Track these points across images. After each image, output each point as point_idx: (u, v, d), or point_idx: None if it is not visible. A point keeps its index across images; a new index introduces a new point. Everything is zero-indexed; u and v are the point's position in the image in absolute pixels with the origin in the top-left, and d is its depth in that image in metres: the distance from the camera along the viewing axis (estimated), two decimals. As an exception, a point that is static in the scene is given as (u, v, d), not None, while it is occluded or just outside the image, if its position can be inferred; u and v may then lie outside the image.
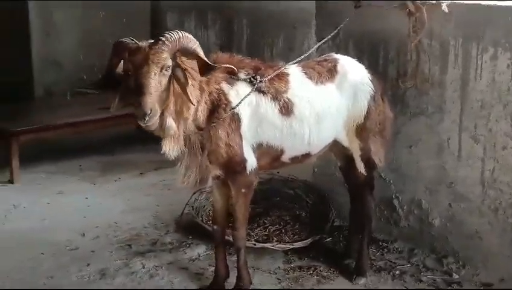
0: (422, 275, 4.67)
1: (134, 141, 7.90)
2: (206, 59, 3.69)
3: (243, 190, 4.10)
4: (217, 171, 4.01)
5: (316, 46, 4.65)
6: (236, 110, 3.95)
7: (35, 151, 7.03)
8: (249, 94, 3.98)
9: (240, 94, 3.96)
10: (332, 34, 4.83)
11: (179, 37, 3.57)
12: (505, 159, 4.37)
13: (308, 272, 4.74)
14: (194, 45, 3.65)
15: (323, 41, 4.81)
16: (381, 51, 5.00)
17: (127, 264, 4.82)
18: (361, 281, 4.59)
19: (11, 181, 6.49)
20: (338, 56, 4.49)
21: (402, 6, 4.62)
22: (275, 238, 5.08)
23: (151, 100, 3.48)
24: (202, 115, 3.85)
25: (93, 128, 7.28)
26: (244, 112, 4.00)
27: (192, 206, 5.47)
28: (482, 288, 4.47)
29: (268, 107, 4.06)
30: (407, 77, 4.71)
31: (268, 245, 4.90)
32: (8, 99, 7.47)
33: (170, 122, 3.69)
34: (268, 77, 4.07)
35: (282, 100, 4.10)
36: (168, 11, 9.86)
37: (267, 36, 8.22)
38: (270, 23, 8.10)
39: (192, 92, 3.72)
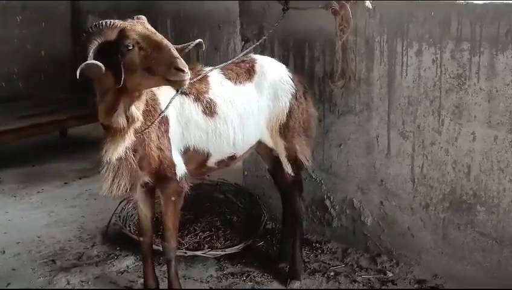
0: (356, 275, 4.61)
1: (56, 150, 7.63)
2: None
3: (173, 198, 3.94)
4: (146, 178, 3.82)
5: (245, 52, 4.50)
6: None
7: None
8: (175, 96, 3.83)
9: (165, 96, 3.80)
10: (260, 41, 4.71)
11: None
12: (434, 154, 4.35)
13: (242, 279, 4.61)
14: None
15: (252, 47, 4.68)
16: (307, 50, 4.92)
17: (51, 281, 4.57)
18: (296, 285, 4.49)
19: None
20: (256, 56, 4.41)
21: (327, 6, 4.54)
22: (206, 245, 4.94)
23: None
24: (140, 116, 3.62)
25: (13, 138, 6.92)
26: (171, 114, 3.85)
27: (119, 216, 5.26)
28: (416, 285, 4.44)
29: (192, 108, 3.93)
30: (336, 77, 4.62)
31: (199, 253, 4.74)
32: None
33: (137, 113, 3.51)
34: (194, 80, 3.92)
35: (204, 101, 3.98)
36: (89, 14, 9.60)
37: (192, 37, 8.05)
38: (194, 24, 7.96)
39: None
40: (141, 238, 4.18)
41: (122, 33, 3.31)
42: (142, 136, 3.69)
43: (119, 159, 3.64)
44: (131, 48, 3.30)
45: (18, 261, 4.88)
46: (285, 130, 4.26)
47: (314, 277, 4.62)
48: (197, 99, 3.94)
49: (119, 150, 3.55)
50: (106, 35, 3.29)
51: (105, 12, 9.05)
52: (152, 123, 3.70)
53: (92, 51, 3.24)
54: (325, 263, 4.80)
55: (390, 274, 4.58)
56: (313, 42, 4.89)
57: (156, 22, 8.21)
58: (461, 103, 4.17)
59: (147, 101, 3.69)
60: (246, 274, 4.66)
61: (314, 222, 5.12)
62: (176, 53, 3.29)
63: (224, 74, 4.13)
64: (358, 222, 4.85)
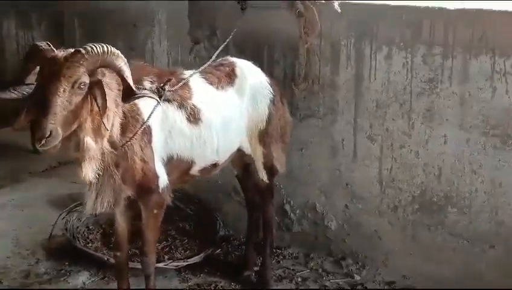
0: (324, 279, 4.58)
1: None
2: (131, 83, 3.24)
3: (155, 211, 3.74)
4: (129, 192, 3.58)
5: (217, 52, 4.31)
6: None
7: None
8: (157, 105, 3.59)
9: (148, 104, 3.56)
10: (228, 40, 4.51)
11: (104, 51, 3.11)
12: (403, 157, 4.41)
13: (209, 289, 4.44)
14: (121, 63, 3.19)
15: (222, 46, 4.45)
16: (266, 52, 4.83)
17: (4, 303, 4.19)
18: (267, 293, 4.40)
19: None
20: (234, 59, 4.23)
21: (291, 7, 4.48)
22: (166, 256, 4.72)
23: (54, 121, 3.01)
24: (117, 130, 3.39)
25: None
26: (154, 123, 3.62)
27: (66, 229, 4.91)
28: (386, 287, 4.47)
29: (176, 116, 3.73)
30: (300, 80, 4.57)
31: (161, 265, 4.50)
32: None
33: (89, 142, 3.22)
34: (176, 87, 3.72)
35: (188, 107, 3.78)
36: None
37: (103, 36, 7.66)
38: (105, 22, 7.54)
39: (108, 115, 3.27)
40: (118, 253, 3.92)
41: None
42: (123, 149, 3.47)
43: (103, 175, 3.43)
44: None
45: (-42, 283, 4.43)
46: (264, 136, 4.14)
47: (283, 284, 4.55)
48: (181, 106, 3.75)
49: (88, 173, 3.31)
50: (37, 61, 3.23)
51: (1, 9, 8.47)
52: (133, 136, 3.48)
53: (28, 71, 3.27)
54: (289, 268, 4.73)
55: (358, 277, 4.58)
56: (272, 44, 4.81)
57: (60, 20, 7.77)
58: (432, 106, 4.25)
59: (124, 113, 3.47)
60: (212, 285, 4.51)
61: (272, 227, 5.03)
62: (44, 123, 3.01)
63: (205, 78, 3.95)
64: (321, 226, 4.82)
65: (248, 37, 4.86)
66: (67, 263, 4.71)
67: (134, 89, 3.27)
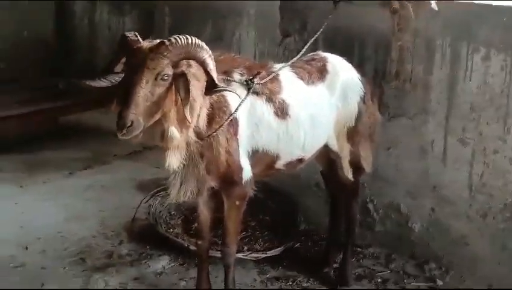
0: (406, 282, 4.48)
1: (48, 137, 7.16)
2: (214, 76, 3.21)
3: (237, 202, 3.74)
4: (213, 183, 3.60)
5: (306, 46, 4.24)
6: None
7: None
8: (246, 97, 3.58)
9: (235, 96, 3.53)
10: (317, 34, 4.42)
11: (188, 43, 3.12)
12: (497, 163, 4.25)
13: (288, 283, 4.44)
14: (205, 55, 3.17)
15: (311, 40, 4.37)
16: (357, 48, 4.74)
17: (88, 282, 4.29)
18: (347, 291, 4.35)
19: None
20: (326, 54, 4.16)
21: (386, 3, 4.39)
22: (246, 247, 4.73)
23: (135, 112, 3.04)
24: (203, 121, 3.40)
25: (12, 125, 6.51)
26: (241, 116, 3.60)
27: (149, 213, 5.00)
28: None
29: (264, 109, 3.70)
30: (390, 77, 4.48)
31: (240, 255, 4.51)
32: None
33: (173, 131, 3.24)
34: (265, 80, 3.69)
35: (277, 102, 3.74)
36: (76, -4, 9.11)
37: (191, 24, 7.74)
38: (195, 11, 7.62)
39: (194, 105, 3.28)
40: (199, 242, 3.96)
41: None
42: (209, 140, 3.47)
43: (187, 165, 3.46)
44: None
45: (45, 259, 4.57)
46: (352, 134, 4.07)
47: (361, 284, 4.48)
48: (270, 100, 3.71)
49: (172, 161, 3.37)
50: (125, 51, 3.29)
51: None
52: (219, 127, 3.47)
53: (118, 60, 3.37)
54: (369, 268, 4.66)
55: (440, 282, 4.47)
56: (363, 40, 4.72)
57: (151, 7, 7.88)
58: (531, 112, 4.08)
59: (211, 104, 3.46)
60: (291, 279, 4.49)
61: (354, 225, 4.96)
62: (125, 113, 3.01)
63: (295, 73, 3.90)
64: (405, 228, 4.72)
65: (339, 32, 4.79)
66: (148, 247, 4.80)
67: (217, 82, 3.25)
